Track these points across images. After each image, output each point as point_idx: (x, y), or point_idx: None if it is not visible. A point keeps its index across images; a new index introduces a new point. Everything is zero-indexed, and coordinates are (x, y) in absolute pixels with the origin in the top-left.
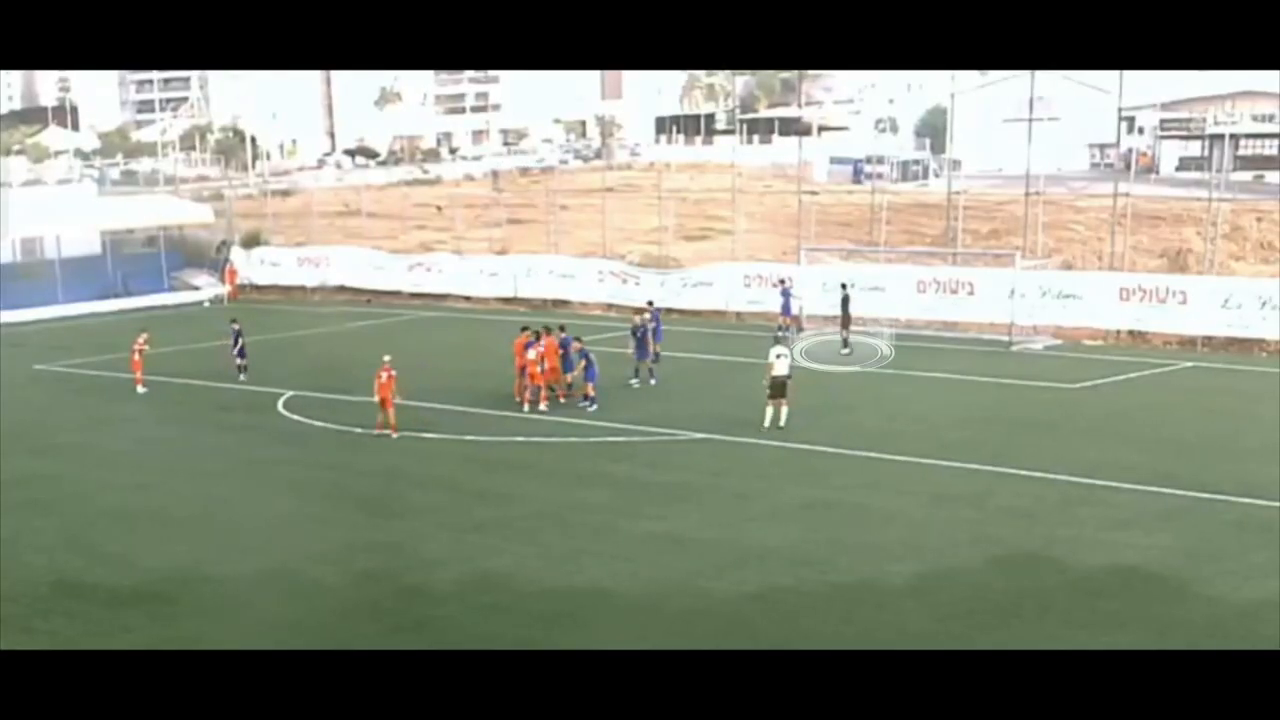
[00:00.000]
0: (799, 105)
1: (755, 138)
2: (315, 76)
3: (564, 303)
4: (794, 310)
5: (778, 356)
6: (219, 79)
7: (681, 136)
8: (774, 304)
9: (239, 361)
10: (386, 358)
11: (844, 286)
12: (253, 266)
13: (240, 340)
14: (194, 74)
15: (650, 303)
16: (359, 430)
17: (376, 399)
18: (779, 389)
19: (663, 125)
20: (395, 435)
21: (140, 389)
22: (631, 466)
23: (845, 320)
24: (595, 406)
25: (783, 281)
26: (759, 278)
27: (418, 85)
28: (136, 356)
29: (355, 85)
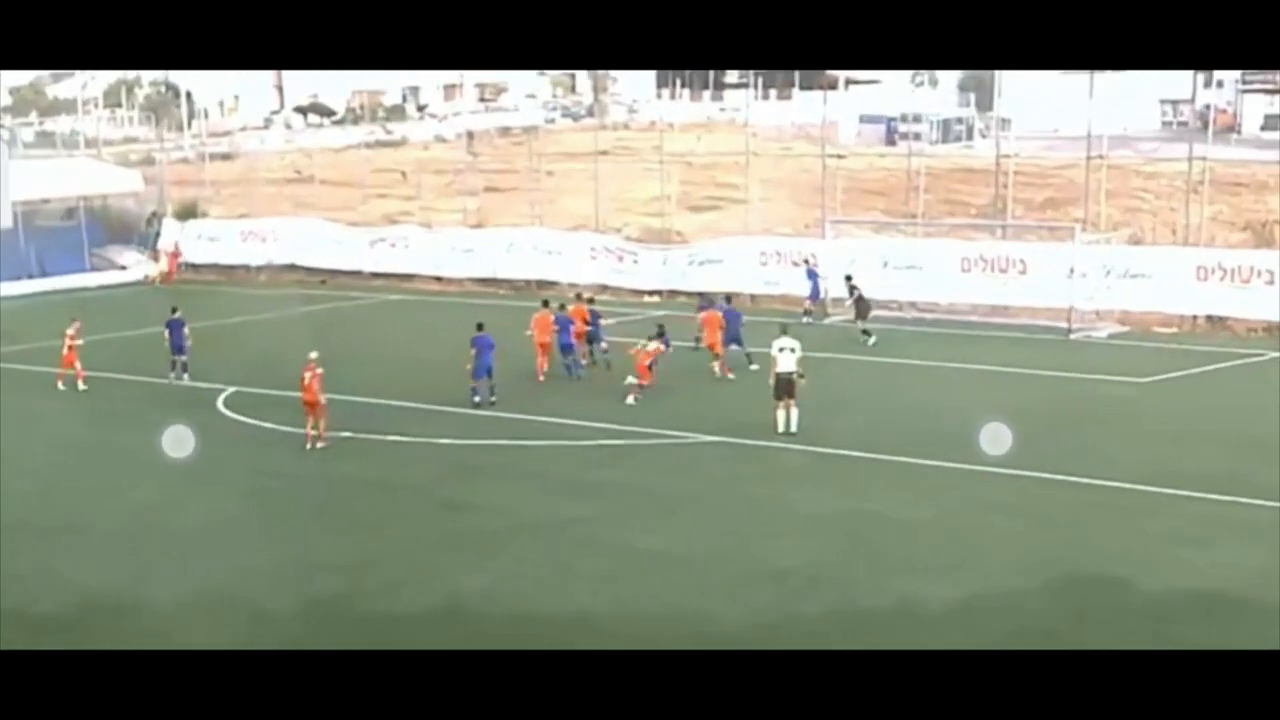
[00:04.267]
0: None
1: (772, 92)
2: None
3: (550, 284)
4: (821, 293)
5: (780, 350)
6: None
7: (686, 91)
8: (794, 285)
9: (178, 359)
10: (313, 354)
11: (849, 279)
12: (188, 242)
13: (184, 334)
14: None
15: (590, 299)
16: (314, 433)
17: (303, 402)
18: (785, 388)
19: (664, 78)
20: (323, 445)
21: (81, 384)
22: (627, 472)
23: (862, 311)
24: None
25: (808, 260)
26: (777, 254)
27: None
28: (68, 349)
29: None
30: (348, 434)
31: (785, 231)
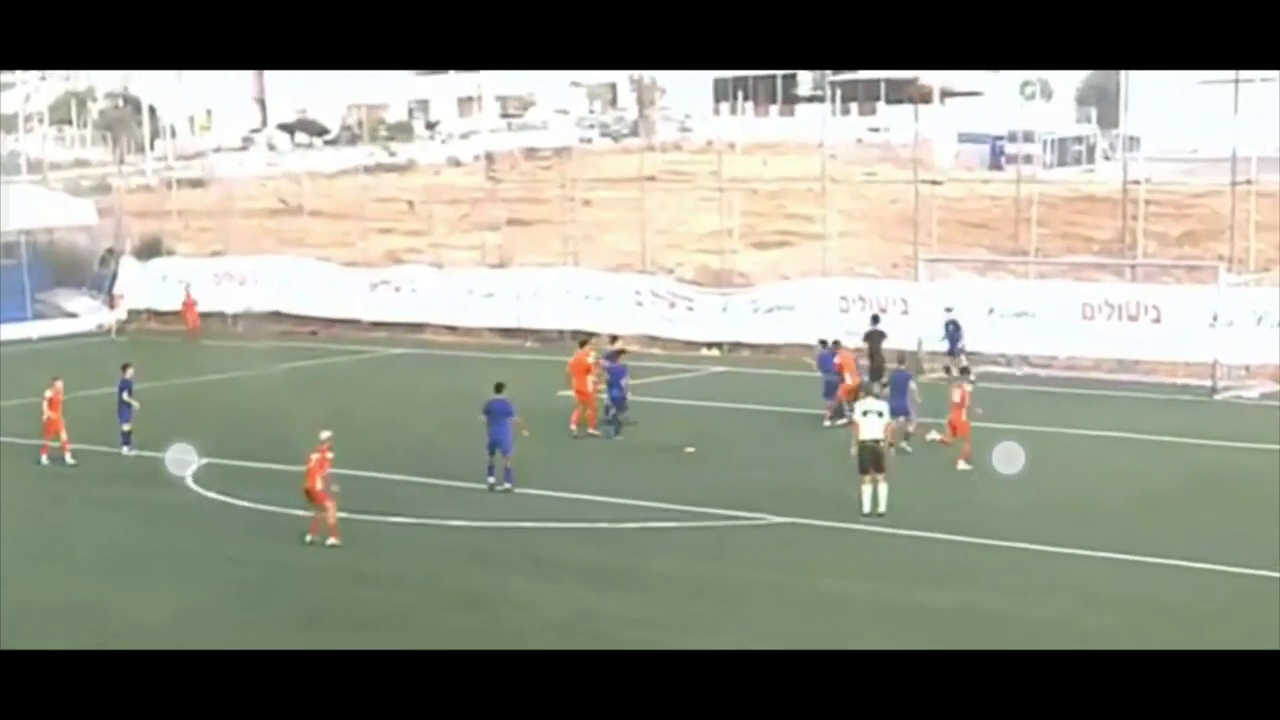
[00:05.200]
0: None
1: (853, 106)
2: None
3: (588, 335)
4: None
5: (865, 414)
6: None
7: (750, 104)
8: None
9: (124, 427)
10: (325, 434)
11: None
12: (150, 285)
13: (128, 397)
14: None
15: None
16: (299, 513)
17: (304, 490)
18: (872, 459)
19: (724, 89)
20: (334, 542)
21: (69, 457)
22: (676, 560)
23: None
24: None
25: (949, 309)
26: (860, 299)
27: None
28: (51, 413)
29: None
30: (341, 514)
31: (870, 272)
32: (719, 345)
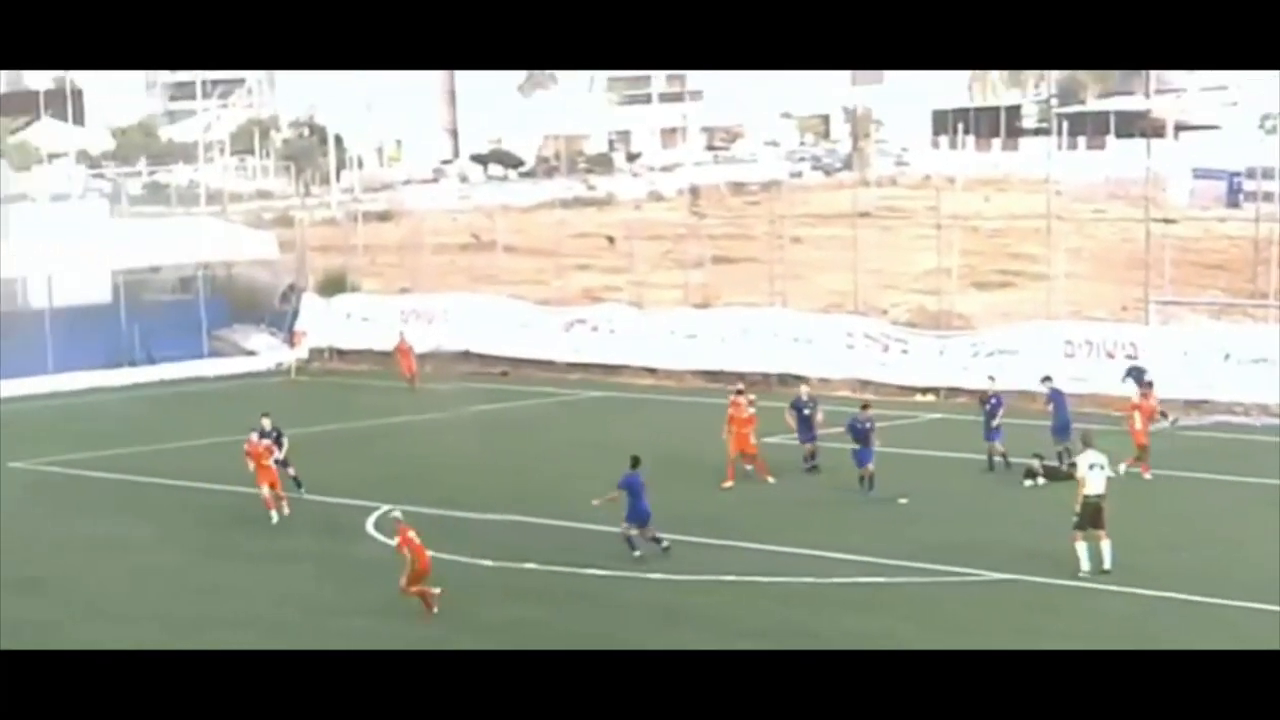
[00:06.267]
0: (1145, 93)
1: (1080, 140)
2: None
3: (795, 378)
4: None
5: (1092, 467)
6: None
7: (971, 138)
8: (1106, 382)
9: (290, 471)
10: (397, 513)
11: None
12: (334, 322)
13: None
14: None
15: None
16: (488, 563)
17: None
18: (1095, 515)
19: (943, 122)
20: (434, 609)
21: (277, 512)
22: (886, 618)
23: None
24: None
25: (1132, 356)
26: (1087, 344)
27: None
28: (269, 462)
29: None
30: (531, 565)
31: (1098, 315)
32: (935, 390)
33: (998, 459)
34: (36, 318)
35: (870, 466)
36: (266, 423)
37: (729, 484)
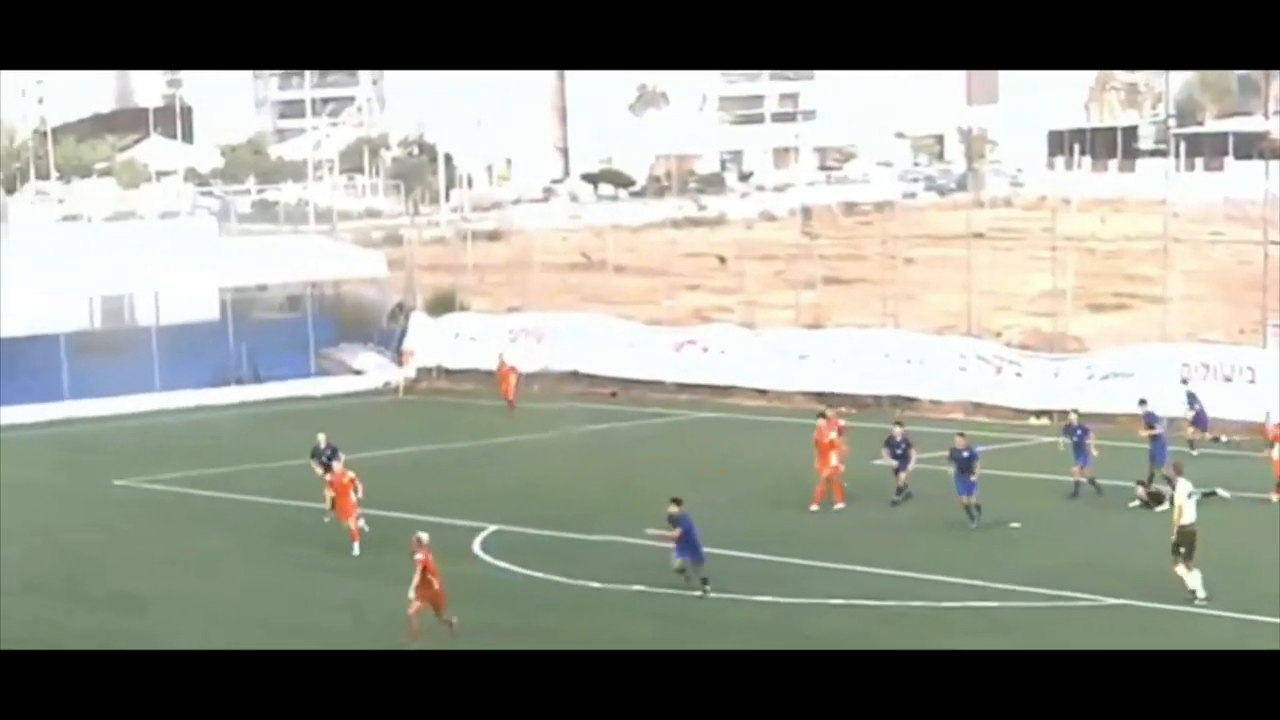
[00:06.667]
0: (1265, 114)
1: (1198, 161)
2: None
3: (909, 400)
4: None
5: (1190, 496)
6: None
7: (1087, 159)
8: (1223, 407)
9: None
10: (423, 536)
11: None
12: (443, 341)
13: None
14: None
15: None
16: (596, 585)
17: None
18: (1188, 542)
19: (1059, 143)
20: (417, 637)
21: (356, 548)
22: (1000, 642)
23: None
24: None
25: (1185, 380)
26: (1204, 367)
27: (692, 83)
28: (353, 495)
29: (600, 81)
30: (640, 587)
31: (1214, 337)
32: (1049, 413)
33: (1084, 481)
34: (144, 335)
35: (968, 498)
36: (322, 439)
37: (840, 504)
